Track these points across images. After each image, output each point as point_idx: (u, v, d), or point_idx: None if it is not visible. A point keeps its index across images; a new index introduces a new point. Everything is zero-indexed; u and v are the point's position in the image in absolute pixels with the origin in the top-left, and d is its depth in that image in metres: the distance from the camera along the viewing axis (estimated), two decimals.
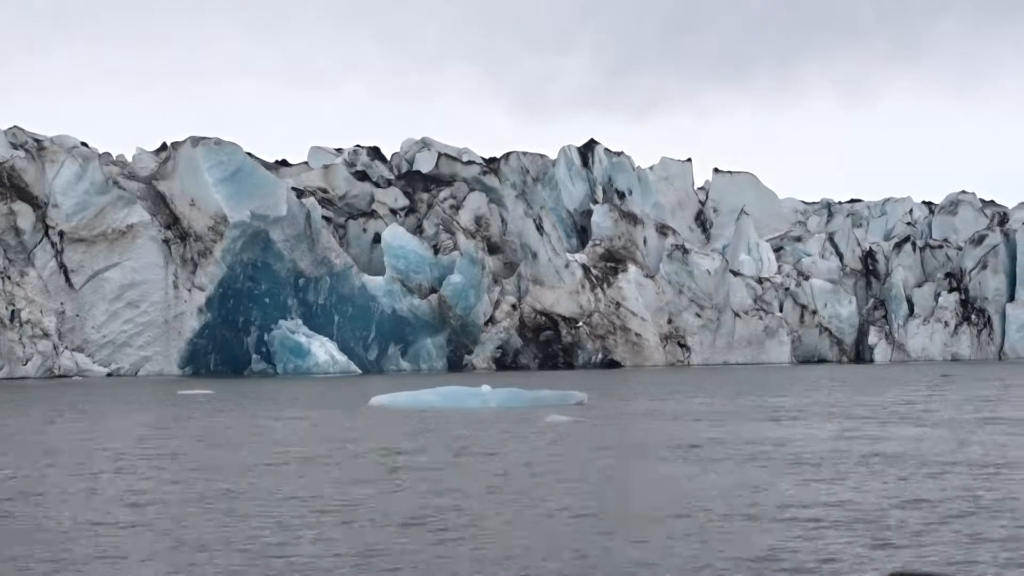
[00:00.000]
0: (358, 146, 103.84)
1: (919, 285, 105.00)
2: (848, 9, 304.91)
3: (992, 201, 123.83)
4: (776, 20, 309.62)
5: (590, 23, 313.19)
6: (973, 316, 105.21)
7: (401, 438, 28.36)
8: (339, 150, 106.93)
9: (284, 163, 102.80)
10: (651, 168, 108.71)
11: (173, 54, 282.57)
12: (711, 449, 25.51)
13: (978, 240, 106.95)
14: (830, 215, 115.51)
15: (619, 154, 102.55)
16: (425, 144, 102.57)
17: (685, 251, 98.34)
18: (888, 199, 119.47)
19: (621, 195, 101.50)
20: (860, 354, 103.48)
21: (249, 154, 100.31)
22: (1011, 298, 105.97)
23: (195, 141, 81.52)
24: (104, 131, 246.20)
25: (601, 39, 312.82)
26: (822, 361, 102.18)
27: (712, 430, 30.26)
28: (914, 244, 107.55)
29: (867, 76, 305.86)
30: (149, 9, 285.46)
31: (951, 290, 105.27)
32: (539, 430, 30.05)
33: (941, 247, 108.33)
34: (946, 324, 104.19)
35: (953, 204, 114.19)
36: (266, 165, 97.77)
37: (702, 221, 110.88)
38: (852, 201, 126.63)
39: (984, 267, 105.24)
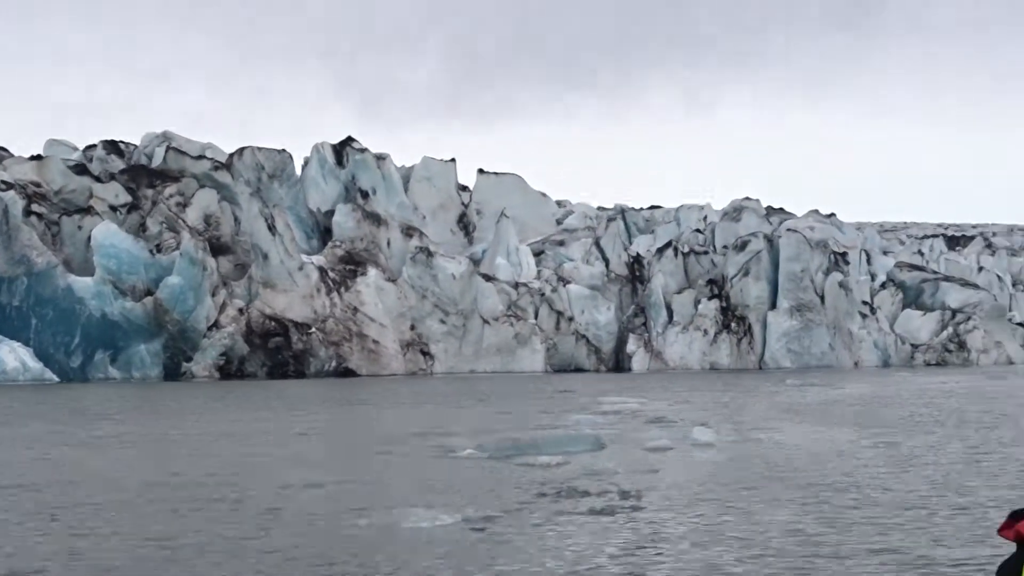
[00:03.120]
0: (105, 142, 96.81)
1: (680, 292, 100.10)
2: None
3: (781, 208, 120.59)
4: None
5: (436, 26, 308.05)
6: (733, 324, 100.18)
7: None
8: (92, 147, 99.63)
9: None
10: (412, 168, 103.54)
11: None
12: None
13: (741, 246, 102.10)
14: (621, 221, 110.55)
15: (363, 151, 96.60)
16: (166, 138, 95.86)
17: (429, 254, 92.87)
18: (682, 205, 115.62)
19: (365, 194, 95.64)
20: (619, 362, 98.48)
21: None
22: (773, 306, 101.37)
23: None
24: None
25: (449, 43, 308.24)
26: (579, 370, 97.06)
27: None
28: (676, 249, 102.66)
29: (706, 86, 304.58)
30: None
31: (711, 297, 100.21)
32: None
33: (706, 253, 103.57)
34: (705, 332, 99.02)
35: (737, 210, 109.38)
36: None
37: (465, 224, 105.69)
38: (652, 208, 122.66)
39: (746, 274, 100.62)
